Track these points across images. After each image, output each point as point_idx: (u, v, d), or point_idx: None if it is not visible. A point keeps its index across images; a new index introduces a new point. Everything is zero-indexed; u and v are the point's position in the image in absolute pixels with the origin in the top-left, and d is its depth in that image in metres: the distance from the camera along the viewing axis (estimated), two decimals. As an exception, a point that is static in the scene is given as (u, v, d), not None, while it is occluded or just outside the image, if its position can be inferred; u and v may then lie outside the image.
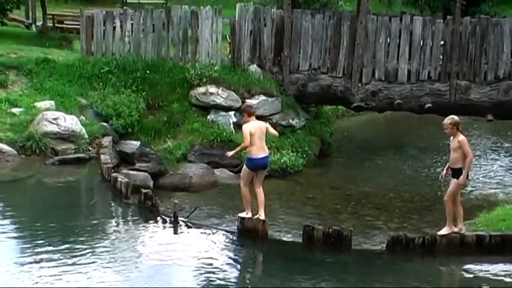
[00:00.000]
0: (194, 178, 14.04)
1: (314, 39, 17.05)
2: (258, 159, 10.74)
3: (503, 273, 9.81)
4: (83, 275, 8.94)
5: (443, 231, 10.46)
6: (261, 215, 10.79)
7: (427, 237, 10.42)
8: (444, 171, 10.69)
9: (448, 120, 10.30)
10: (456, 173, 10.27)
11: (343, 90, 16.92)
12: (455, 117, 10.36)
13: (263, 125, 11.02)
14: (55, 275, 8.88)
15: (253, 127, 10.76)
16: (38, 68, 16.66)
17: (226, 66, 17.12)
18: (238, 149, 11.10)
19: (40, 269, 9.04)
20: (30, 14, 26.59)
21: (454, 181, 10.31)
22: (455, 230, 10.43)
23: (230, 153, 11.26)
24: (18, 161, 13.70)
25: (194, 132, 15.33)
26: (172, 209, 11.43)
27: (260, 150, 10.73)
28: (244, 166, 10.96)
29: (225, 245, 10.63)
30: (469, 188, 15.14)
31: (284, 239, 11.17)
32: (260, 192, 10.88)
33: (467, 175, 10.39)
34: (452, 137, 10.33)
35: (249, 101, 16.00)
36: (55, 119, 14.28)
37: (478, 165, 17.38)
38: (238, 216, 10.96)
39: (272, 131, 11.18)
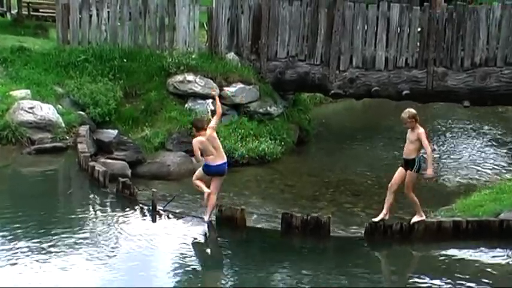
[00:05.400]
0: (172, 166, 14.02)
1: (291, 26, 17.03)
2: (215, 166, 10.81)
3: (480, 257, 9.91)
4: (61, 265, 8.90)
5: (415, 218, 10.49)
6: (205, 218, 10.84)
7: (404, 223, 10.50)
8: None
9: (405, 114, 10.21)
10: (409, 164, 10.26)
11: (321, 78, 16.93)
12: (411, 110, 10.30)
13: (210, 132, 10.86)
14: (33, 266, 8.84)
15: (201, 143, 10.75)
16: (13, 56, 16.47)
17: (204, 54, 17.06)
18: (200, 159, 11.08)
19: (17, 260, 8.98)
20: (5, 1, 26.27)
21: (408, 173, 10.28)
22: (381, 216, 10.43)
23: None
24: (-6, 150, 13.60)
25: (172, 121, 15.27)
26: (150, 197, 11.40)
27: (217, 158, 10.80)
28: (200, 168, 11.05)
29: (204, 234, 10.64)
30: (446, 174, 15.27)
31: (263, 226, 11.17)
32: (213, 198, 10.87)
33: (419, 168, 10.38)
34: (410, 129, 10.33)
35: (227, 90, 16.01)
36: (31, 108, 14.15)
37: (455, 151, 17.52)
38: (216, 205, 10.95)
39: (215, 118, 11.22)
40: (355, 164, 15.87)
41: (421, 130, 10.20)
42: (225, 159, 10.95)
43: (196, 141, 10.82)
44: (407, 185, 10.36)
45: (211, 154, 10.80)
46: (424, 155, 10.42)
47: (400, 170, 10.43)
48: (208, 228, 10.68)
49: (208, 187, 10.90)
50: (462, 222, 10.51)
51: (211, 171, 10.90)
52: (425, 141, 10.14)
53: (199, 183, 11.00)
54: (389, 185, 10.50)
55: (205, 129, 10.91)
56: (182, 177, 13.91)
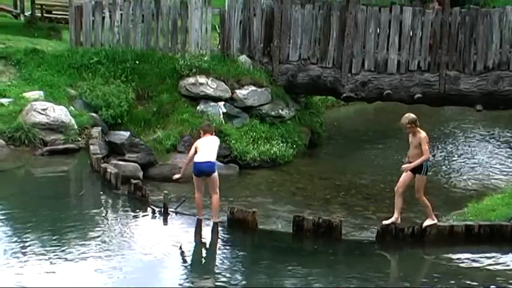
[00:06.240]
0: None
1: (304, 29, 17.02)
2: (198, 162, 10.85)
3: (492, 262, 9.87)
4: (72, 266, 8.93)
5: (427, 222, 10.47)
6: (213, 219, 10.93)
7: (416, 227, 10.47)
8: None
9: (404, 120, 10.20)
10: (417, 168, 10.26)
11: (333, 81, 16.91)
12: (411, 115, 10.25)
13: (215, 140, 11.20)
14: (44, 266, 8.87)
15: (201, 143, 11.00)
16: (26, 58, 16.55)
17: (216, 56, 17.06)
18: (184, 166, 11.39)
19: (28, 259, 9.02)
20: (19, 3, 26.41)
21: (417, 177, 10.31)
22: (392, 220, 10.42)
23: (177, 176, 11.50)
24: (7, 151, 13.65)
25: (184, 123, 15.29)
26: (162, 199, 11.42)
27: (202, 156, 10.86)
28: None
29: (215, 236, 10.64)
30: (458, 178, 15.22)
31: (274, 229, 11.17)
32: (214, 198, 11.00)
33: (426, 171, 10.38)
34: (411, 135, 10.30)
35: (238, 92, 16.04)
36: (44, 109, 14.22)
37: (467, 155, 17.46)
38: (228, 207, 10.97)
39: None
40: (367, 167, 15.84)
41: (422, 135, 10.19)
42: (207, 159, 10.85)
43: (197, 142, 11.09)
44: (417, 189, 10.36)
45: (198, 152, 10.89)
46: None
47: (406, 173, 10.41)
48: (213, 230, 10.69)
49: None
50: (474, 227, 10.48)
51: (195, 169, 10.91)
52: (425, 146, 10.15)
53: (197, 203, 11.13)
54: (396, 188, 10.50)
55: (211, 134, 11.20)
56: (194, 179, 13.91)
